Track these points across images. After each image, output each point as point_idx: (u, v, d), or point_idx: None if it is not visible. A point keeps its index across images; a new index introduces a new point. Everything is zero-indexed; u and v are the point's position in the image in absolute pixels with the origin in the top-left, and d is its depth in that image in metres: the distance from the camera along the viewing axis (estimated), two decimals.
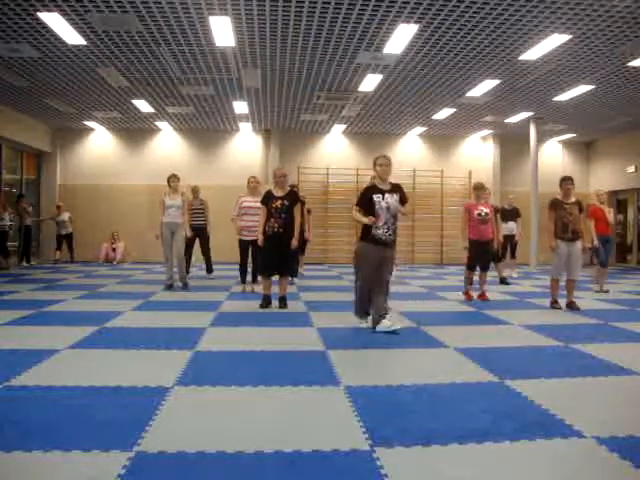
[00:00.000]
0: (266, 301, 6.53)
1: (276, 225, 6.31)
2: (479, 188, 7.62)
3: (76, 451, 2.34)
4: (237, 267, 8.19)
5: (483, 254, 7.49)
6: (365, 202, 5.18)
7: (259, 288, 7.04)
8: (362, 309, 5.34)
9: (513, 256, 11.24)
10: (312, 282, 9.77)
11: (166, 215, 8.22)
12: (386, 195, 5.15)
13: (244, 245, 7.88)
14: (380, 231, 5.12)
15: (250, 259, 7.95)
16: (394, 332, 4.94)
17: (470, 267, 7.56)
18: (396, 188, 5.30)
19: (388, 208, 5.13)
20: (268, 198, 6.45)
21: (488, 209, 7.54)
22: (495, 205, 9.44)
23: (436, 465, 2.28)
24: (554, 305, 6.74)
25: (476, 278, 7.66)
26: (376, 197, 5.13)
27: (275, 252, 6.39)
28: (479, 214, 7.41)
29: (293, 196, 6.50)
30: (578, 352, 4.37)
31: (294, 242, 6.39)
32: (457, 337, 4.89)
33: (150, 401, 3.00)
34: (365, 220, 5.12)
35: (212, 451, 2.37)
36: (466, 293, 7.53)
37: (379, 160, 5.29)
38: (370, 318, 5.26)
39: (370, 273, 5.17)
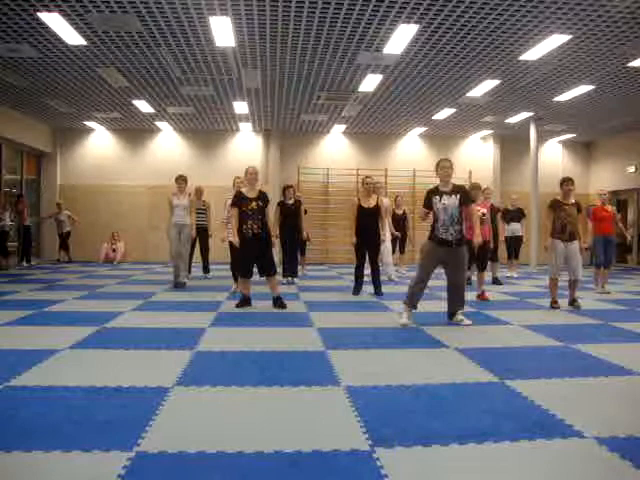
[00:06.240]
0: (244, 301, 6.50)
1: (255, 227, 6.28)
2: (476, 188, 7.62)
3: (76, 451, 2.34)
4: None
5: (479, 254, 7.48)
6: (427, 204, 5.47)
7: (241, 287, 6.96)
8: (410, 301, 5.51)
9: (516, 257, 11.18)
10: (312, 282, 9.77)
11: (173, 215, 8.37)
12: (444, 197, 5.38)
13: (233, 246, 7.85)
14: (440, 231, 5.36)
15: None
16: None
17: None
18: (457, 190, 5.47)
19: (445, 209, 5.34)
20: (240, 200, 6.38)
21: (485, 210, 7.52)
22: (497, 206, 9.39)
23: (436, 465, 2.28)
24: (554, 305, 6.74)
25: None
26: (435, 199, 5.41)
27: (256, 254, 6.36)
28: None
29: (265, 197, 6.52)
30: (578, 352, 4.37)
31: (275, 240, 6.49)
32: (457, 337, 4.90)
33: (150, 401, 3.00)
34: (422, 216, 5.62)
35: (212, 451, 2.37)
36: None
37: (441, 163, 5.59)
38: (406, 315, 5.46)
39: (425, 269, 5.50)
